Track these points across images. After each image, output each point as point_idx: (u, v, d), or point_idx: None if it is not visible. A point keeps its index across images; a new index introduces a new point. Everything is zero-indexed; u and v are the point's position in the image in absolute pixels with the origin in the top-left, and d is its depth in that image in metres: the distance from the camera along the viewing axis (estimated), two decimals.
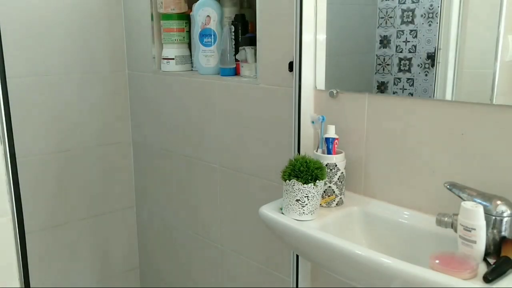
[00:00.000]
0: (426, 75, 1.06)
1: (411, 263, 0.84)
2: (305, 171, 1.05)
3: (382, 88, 1.14)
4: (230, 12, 1.55)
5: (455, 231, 0.89)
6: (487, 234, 0.86)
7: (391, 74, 1.12)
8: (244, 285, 1.57)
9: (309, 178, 1.05)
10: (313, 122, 1.24)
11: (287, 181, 1.06)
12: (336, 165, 1.14)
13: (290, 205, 1.07)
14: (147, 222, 2.01)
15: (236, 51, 1.48)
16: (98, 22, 1.80)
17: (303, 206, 1.06)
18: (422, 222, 1.04)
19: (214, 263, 1.68)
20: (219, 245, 1.64)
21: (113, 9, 1.83)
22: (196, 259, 1.77)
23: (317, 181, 1.05)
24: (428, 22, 1.03)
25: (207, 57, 1.55)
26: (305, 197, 1.05)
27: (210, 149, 1.58)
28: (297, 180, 1.05)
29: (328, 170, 1.13)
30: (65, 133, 1.80)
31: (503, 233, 0.87)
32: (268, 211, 1.11)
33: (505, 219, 0.87)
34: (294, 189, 1.05)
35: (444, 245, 0.97)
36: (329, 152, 1.15)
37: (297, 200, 1.06)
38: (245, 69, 1.44)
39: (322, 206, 1.14)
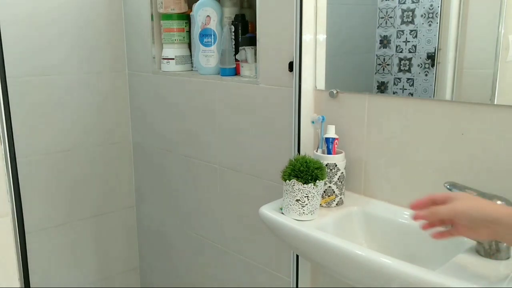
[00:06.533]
0: (426, 75, 1.06)
1: (411, 263, 0.84)
2: (305, 171, 1.05)
3: (382, 88, 1.14)
4: (230, 12, 1.54)
5: None
6: None
7: (391, 74, 1.12)
8: (244, 285, 1.57)
9: (309, 178, 1.05)
10: (313, 122, 1.25)
11: (287, 181, 1.06)
12: (336, 165, 1.14)
13: (290, 205, 1.07)
14: (147, 222, 2.01)
15: (236, 51, 1.48)
16: (98, 22, 1.80)
17: (303, 206, 1.06)
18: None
19: (214, 263, 1.68)
20: (219, 245, 1.64)
21: (113, 9, 1.83)
22: (196, 259, 1.77)
23: (317, 181, 1.05)
24: (428, 22, 1.03)
25: (207, 57, 1.55)
26: (305, 197, 1.05)
27: (210, 149, 1.58)
28: (297, 180, 1.05)
29: (328, 170, 1.13)
30: (65, 133, 1.80)
31: None
32: (268, 211, 1.11)
33: None
34: (294, 189, 1.05)
35: (444, 245, 0.97)
36: (329, 152, 1.15)
37: (297, 200, 1.06)
38: (245, 69, 1.44)
39: (322, 206, 1.14)
